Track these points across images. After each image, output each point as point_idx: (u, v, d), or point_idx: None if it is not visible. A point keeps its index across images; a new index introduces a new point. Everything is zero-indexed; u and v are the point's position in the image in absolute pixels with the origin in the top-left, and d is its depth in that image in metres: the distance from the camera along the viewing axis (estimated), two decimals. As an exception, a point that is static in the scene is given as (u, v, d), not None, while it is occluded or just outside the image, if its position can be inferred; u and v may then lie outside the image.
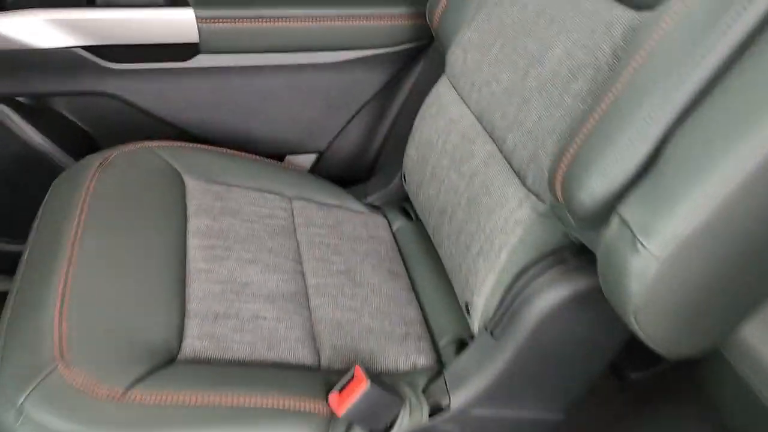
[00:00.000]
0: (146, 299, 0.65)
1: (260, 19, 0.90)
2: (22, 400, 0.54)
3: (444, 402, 0.66)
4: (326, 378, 0.64)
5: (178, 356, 0.62)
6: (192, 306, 0.67)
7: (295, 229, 0.83)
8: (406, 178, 0.88)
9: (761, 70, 0.42)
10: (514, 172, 0.65)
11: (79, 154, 0.94)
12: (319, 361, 0.67)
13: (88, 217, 0.72)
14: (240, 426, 0.57)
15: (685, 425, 0.88)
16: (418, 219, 0.92)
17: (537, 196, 0.62)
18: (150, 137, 0.92)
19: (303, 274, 0.77)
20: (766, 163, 0.41)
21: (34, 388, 0.55)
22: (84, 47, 0.86)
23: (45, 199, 0.79)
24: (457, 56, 0.79)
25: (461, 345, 0.74)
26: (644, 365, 0.87)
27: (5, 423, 0.54)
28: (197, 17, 0.87)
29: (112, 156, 0.82)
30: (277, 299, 0.71)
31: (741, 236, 0.45)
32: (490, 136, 0.71)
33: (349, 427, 0.60)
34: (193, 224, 0.77)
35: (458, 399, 0.65)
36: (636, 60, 0.50)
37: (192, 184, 0.83)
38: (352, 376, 0.61)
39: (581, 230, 0.57)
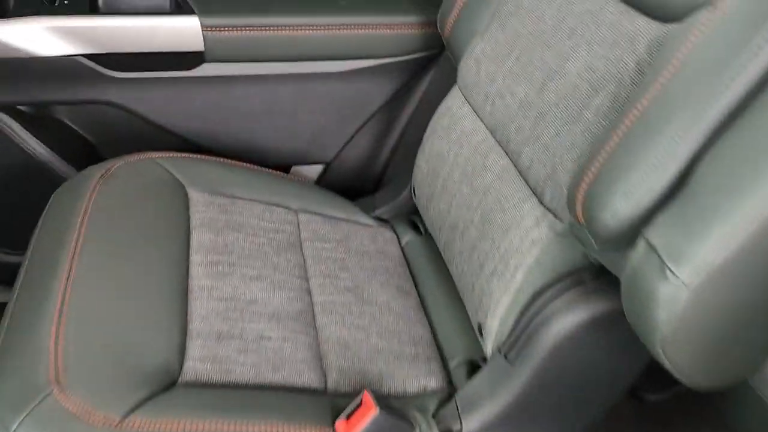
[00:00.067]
0: (146, 318, 0.62)
1: (267, 28, 0.88)
2: (15, 426, 0.52)
3: (455, 427, 0.63)
4: (333, 402, 0.61)
5: (179, 379, 0.59)
6: (194, 325, 0.64)
7: (301, 244, 0.81)
8: (416, 191, 0.85)
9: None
10: (530, 188, 0.63)
11: (81, 164, 0.92)
12: (326, 383, 0.65)
13: (88, 230, 0.70)
14: (243, 455, 0.54)
15: (703, 449, 0.85)
16: (427, 233, 0.89)
17: (555, 214, 0.59)
18: (153, 147, 0.90)
19: (309, 292, 0.74)
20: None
21: (28, 414, 0.52)
22: (86, 55, 0.84)
23: (45, 211, 0.77)
24: (469, 67, 0.77)
25: (472, 367, 0.71)
26: (663, 387, 0.84)
27: (-3, 449, 0.52)
28: (203, 25, 0.85)
29: (114, 167, 0.80)
30: (282, 318, 0.68)
31: (777, 264, 0.43)
32: (504, 150, 0.68)
33: (356, 455, 0.57)
34: (196, 238, 0.74)
35: (470, 424, 0.63)
36: (664, 75, 0.47)
37: (195, 196, 0.81)
38: (360, 402, 0.58)
39: (602, 252, 0.55)
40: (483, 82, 0.73)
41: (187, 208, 0.78)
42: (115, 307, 0.63)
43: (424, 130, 0.85)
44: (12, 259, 0.98)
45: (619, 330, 0.55)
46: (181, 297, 0.66)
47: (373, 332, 0.72)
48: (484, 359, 0.68)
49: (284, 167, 1.05)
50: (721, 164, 0.43)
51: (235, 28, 0.87)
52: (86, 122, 0.94)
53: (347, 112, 1.00)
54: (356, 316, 0.73)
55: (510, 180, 0.65)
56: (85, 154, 0.95)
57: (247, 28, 0.88)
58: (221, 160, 0.88)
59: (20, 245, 0.80)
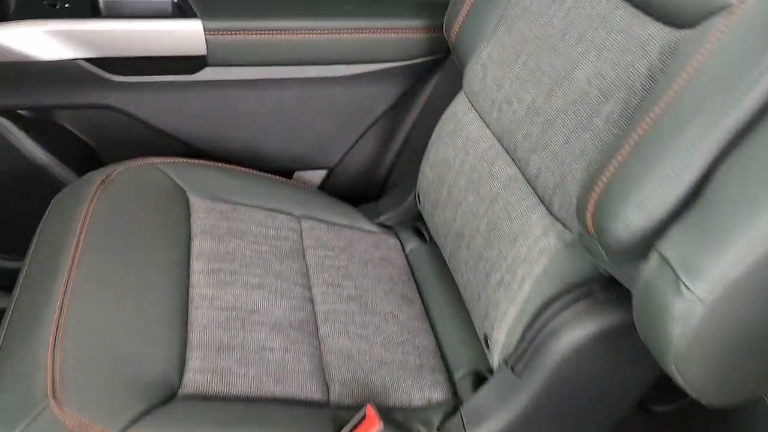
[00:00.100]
0: (146, 328, 0.61)
1: (270, 32, 0.87)
2: (10, 440, 0.51)
3: (461, 441, 0.61)
4: (335, 415, 0.60)
5: (179, 392, 0.58)
6: (194, 336, 0.63)
7: (303, 251, 0.80)
8: (421, 198, 0.84)
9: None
10: (538, 197, 0.61)
11: (81, 169, 0.91)
12: (328, 395, 0.63)
13: (87, 238, 0.69)
14: (243, 470, 0.53)
15: (713, 461, 0.83)
16: (432, 240, 0.88)
17: (563, 224, 0.58)
18: (155, 152, 0.89)
19: (312, 300, 0.73)
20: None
21: (24, 429, 0.51)
22: (87, 59, 0.83)
23: (44, 217, 0.76)
24: (475, 72, 0.76)
25: (478, 378, 0.69)
26: (671, 398, 0.83)
27: (-8, 464, 0.50)
28: (205, 29, 0.84)
29: (115, 172, 0.79)
30: (284, 328, 0.67)
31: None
32: (512, 158, 0.67)
33: (359, 470, 0.56)
34: (197, 246, 0.73)
35: (476, 438, 0.61)
36: (677, 82, 0.46)
37: (197, 203, 0.79)
38: (364, 416, 0.57)
39: (613, 264, 0.53)
40: (489, 87, 0.72)
41: (189, 215, 0.77)
42: (114, 317, 0.62)
43: (428, 135, 0.84)
44: (11, 264, 0.97)
45: (629, 343, 0.54)
46: (181, 306, 0.65)
47: (377, 342, 0.70)
48: (490, 370, 0.67)
49: (287, 172, 1.03)
50: (737, 175, 0.41)
51: (238, 32, 0.86)
52: (87, 127, 0.93)
53: (351, 116, 0.99)
54: (359, 325, 0.72)
55: (517, 188, 0.64)
56: (85, 158, 0.94)
57: (251, 32, 0.87)
58: (223, 165, 0.87)
59: (20, 250, 0.79)
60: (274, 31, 0.87)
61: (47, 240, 0.71)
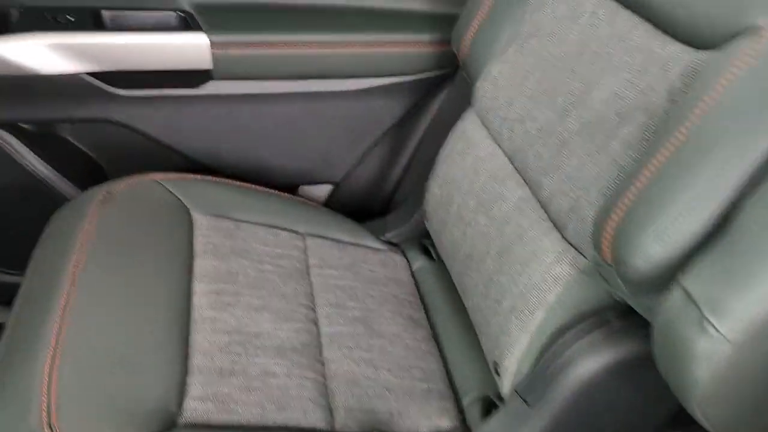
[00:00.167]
0: (145, 353, 0.59)
1: (276, 45, 0.86)
2: (3, 471, 0.49)
3: (469, 473, 0.59)
4: (340, 445, 0.58)
5: (178, 420, 0.56)
6: (195, 361, 0.61)
7: (308, 271, 0.78)
8: (429, 216, 0.82)
9: None
10: (552, 221, 0.59)
11: (83, 183, 0.89)
12: (333, 423, 0.61)
13: (86, 257, 0.67)
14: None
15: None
16: (439, 258, 0.86)
17: (578, 250, 0.56)
18: (158, 166, 0.87)
19: (316, 322, 0.71)
20: None
21: (17, 460, 0.49)
22: (90, 73, 0.81)
23: (43, 234, 0.75)
24: (486, 89, 0.74)
25: (487, 404, 0.67)
26: (684, 424, 0.80)
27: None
28: (211, 43, 0.83)
29: (116, 189, 0.77)
30: (287, 352, 0.65)
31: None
32: (523, 179, 0.65)
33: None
34: (199, 265, 0.71)
35: (485, 470, 0.59)
36: (701, 106, 0.44)
37: (200, 220, 0.78)
38: (370, 447, 0.55)
39: (631, 294, 0.51)
40: (501, 105, 0.70)
41: (191, 233, 0.75)
42: (113, 341, 0.60)
43: (436, 151, 0.82)
44: (11, 279, 0.96)
45: (646, 374, 0.52)
46: (182, 329, 0.63)
47: (383, 367, 0.68)
48: (499, 396, 0.65)
49: (292, 187, 1.02)
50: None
51: (243, 46, 0.85)
52: (90, 140, 0.92)
53: (357, 131, 0.97)
54: (365, 349, 0.70)
55: (530, 211, 0.62)
56: (88, 173, 0.93)
57: (256, 46, 0.85)
58: (227, 181, 0.86)
59: (20, 265, 0.78)
60: (280, 45, 0.86)
61: (45, 259, 0.70)
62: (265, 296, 0.70)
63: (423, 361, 0.71)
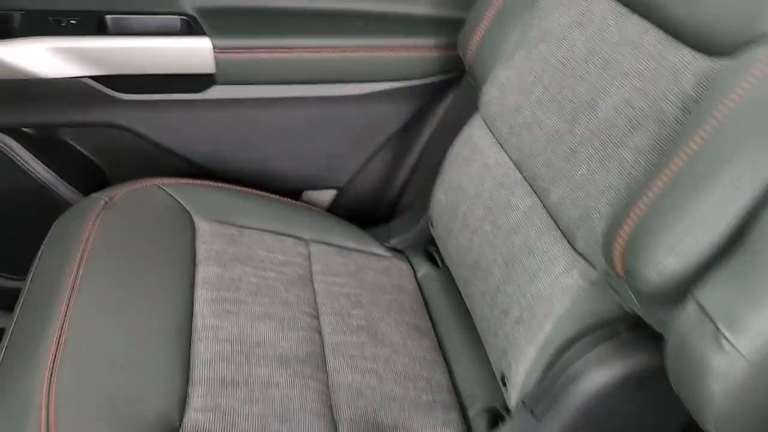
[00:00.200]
0: (146, 363, 0.58)
1: (281, 50, 0.85)
2: (0, 485, 0.48)
3: (475, 486, 0.58)
4: (344, 457, 0.57)
5: (179, 432, 0.55)
6: (197, 371, 0.60)
7: (312, 278, 0.77)
8: (434, 223, 0.81)
9: None
10: (560, 230, 0.58)
11: (86, 188, 0.89)
12: (336, 435, 0.60)
13: (88, 264, 0.66)
14: None
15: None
16: (444, 265, 0.85)
17: (587, 260, 0.55)
18: (161, 170, 0.87)
19: (320, 331, 0.70)
20: None
21: (14, 473, 0.48)
22: (93, 77, 0.81)
23: (45, 240, 0.74)
24: (492, 95, 0.73)
25: (493, 416, 0.66)
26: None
27: None
28: (214, 47, 0.82)
29: (118, 194, 0.76)
30: (290, 362, 0.64)
31: None
32: (531, 187, 0.64)
33: None
34: (202, 272, 0.70)
35: (491, 483, 0.58)
36: (715, 115, 0.43)
37: (202, 226, 0.77)
38: (374, 461, 0.54)
39: (643, 307, 0.50)
40: (508, 111, 0.69)
41: (194, 239, 0.75)
42: (114, 350, 0.59)
43: (441, 156, 0.81)
44: (13, 284, 0.95)
45: (656, 387, 0.50)
46: (184, 338, 0.62)
47: (388, 377, 0.67)
48: (506, 408, 0.63)
49: (296, 192, 1.01)
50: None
51: (247, 50, 0.84)
52: (93, 145, 0.91)
53: (362, 136, 0.96)
54: (369, 359, 0.69)
55: (538, 220, 0.61)
56: (90, 177, 0.92)
57: (260, 50, 0.84)
58: (230, 186, 0.85)
59: (22, 270, 0.77)
60: (284, 49, 0.85)
61: (46, 266, 0.69)
62: (267, 304, 0.69)
63: (428, 371, 0.70)
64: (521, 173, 0.65)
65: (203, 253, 0.73)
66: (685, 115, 0.48)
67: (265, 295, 0.70)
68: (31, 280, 0.68)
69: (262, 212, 0.83)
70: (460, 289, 0.73)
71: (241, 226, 0.79)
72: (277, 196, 0.88)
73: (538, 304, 0.57)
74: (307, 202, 1.02)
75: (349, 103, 0.92)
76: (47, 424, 0.51)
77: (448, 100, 0.95)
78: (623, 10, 0.58)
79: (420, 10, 0.93)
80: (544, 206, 0.61)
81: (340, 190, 1.02)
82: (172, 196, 0.79)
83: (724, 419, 0.40)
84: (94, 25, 0.81)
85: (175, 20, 0.85)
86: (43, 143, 0.88)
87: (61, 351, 0.57)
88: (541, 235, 0.59)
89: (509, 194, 0.66)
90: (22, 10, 0.80)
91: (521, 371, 0.58)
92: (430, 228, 0.82)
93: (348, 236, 0.86)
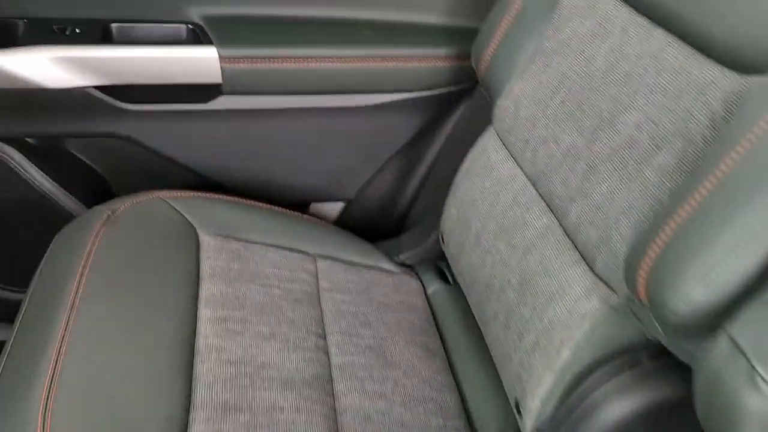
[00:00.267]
0: (146, 386, 0.56)
1: (288, 59, 0.83)
2: None
3: None
4: (350, 487, 0.54)
5: (179, 460, 0.53)
6: (198, 394, 0.58)
7: (319, 295, 0.75)
8: (445, 238, 0.78)
9: None
10: (579, 252, 0.56)
11: (90, 200, 0.87)
12: (343, 463, 0.58)
13: (89, 280, 0.64)
14: None
15: None
16: (455, 282, 0.82)
17: (607, 285, 0.52)
18: (166, 182, 0.85)
19: (327, 351, 0.68)
20: None
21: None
22: (98, 87, 0.79)
23: (47, 254, 0.72)
24: (506, 108, 0.70)
25: (506, 443, 0.64)
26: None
27: None
28: (221, 56, 0.80)
29: (122, 208, 0.74)
30: (296, 384, 0.62)
31: None
32: (547, 205, 0.61)
33: None
34: (205, 289, 0.68)
35: None
36: (749, 138, 0.40)
37: (207, 241, 0.75)
38: (382, 493, 0.51)
39: (668, 337, 0.47)
40: (522, 125, 0.67)
41: (198, 255, 0.73)
42: (113, 371, 0.57)
43: (452, 169, 0.79)
44: (14, 296, 0.94)
45: (679, 419, 0.48)
46: (186, 359, 0.60)
47: (397, 401, 0.65)
48: (520, 433, 0.61)
49: (303, 204, 0.99)
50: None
51: (254, 60, 0.82)
52: (96, 155, 0.89)
53: (371, 148, 0.94)
54: (378, 381, 0.66)
55: (554, 240, 0.58)
56: (94, 188, 0.90)
57: (268, 60, 0.82)
58: (236, 199, 0.83)
59: (23, 282, 0.75)
60: (292, 59, 0.83)
61: (48, 279, 0.67)
62: (273, 323, 0.67)
63: (438, 394, 0.68)
64: (537, 190, 0.63)
65: (207, 270, 0.71)
66: (714, 134, 0.46)
67: (271, 314, 0.68)
68: (32, 294, 0.66)
69: (268, 226, 0.81)
70: (472, 308, 0.71)
71: (247, 241, 0.77)
72: (284, 209, 0.86)
73: (556, 329, 0.54)
74: (314, 215, 1.00)
75: (358, 114, 0.90)
76: None
77: (459, 112, 0.93)
78: (644, 22, 0.56)
79: (432, 19, 0.91)
80: (561, 225, 0.59)
81: (349, 202, 1.00)
82: (176, 210, 0.77)
83: (758, 463, 0.38)
84: (99, 33, 0.80)
85: (181, 29, 0.83)
86: (46, 153, 0.87)
87: (58, 374, 0.55)
88: (558, 256, 0.57)
89: (524, 211, 0.63)
90: (25, 19, 0.79)
91: (537, 399, 0.56)
92: (441, 244, 0.80)
93: (356, 251, 0.84)
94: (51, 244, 0.73)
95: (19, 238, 0.90)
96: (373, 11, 0.89)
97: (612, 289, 0.52)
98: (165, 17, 0.83)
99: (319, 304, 0.73)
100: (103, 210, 0.74)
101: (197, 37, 0.82)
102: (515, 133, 0.68)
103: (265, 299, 0.70)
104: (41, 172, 0.86)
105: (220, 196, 0.82)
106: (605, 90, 0.57)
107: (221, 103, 0.84)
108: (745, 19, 0.46)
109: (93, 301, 0.62)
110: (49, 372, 0.55)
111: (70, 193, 0.88)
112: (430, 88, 0.90)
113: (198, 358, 0.61)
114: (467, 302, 0.74)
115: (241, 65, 0.81)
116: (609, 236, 0.52)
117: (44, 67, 0.76)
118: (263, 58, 0.82)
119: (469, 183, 0.74)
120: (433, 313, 0.80)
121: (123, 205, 0.75)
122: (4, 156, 0.83)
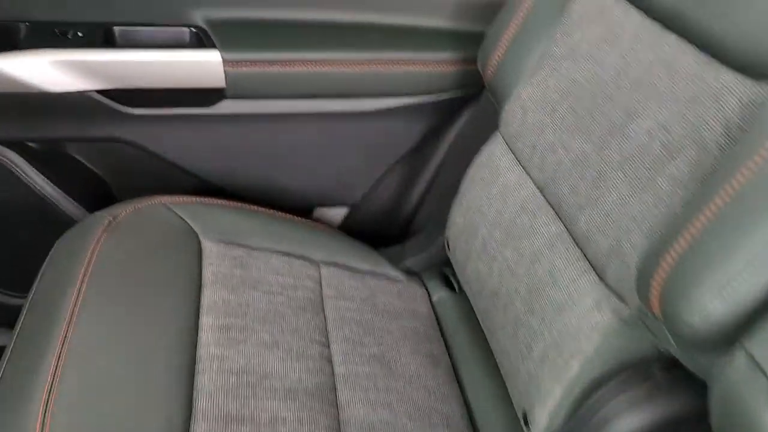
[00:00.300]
0: (146, 396, 0.55)
1: (293, 63, 0.82)
2: None
3: None
4: (354, 501, 0.53)
5: (179, 473, 0.52)
6: (199, 404, 0.57)
7: (322, 302, 0.73)
8: (450, 245, 0.77)
9: None
10: (589, 261, 0.55)
11: (92, 204, 0.86)
12: (347, 476, 0.57)
13: (89, 287, 0.63)
14: None
15: None
16: (461, 290, 0.81)
17: (619, 296, 0.51)
18: (169, 186, 0.84)
19: (330, 360, 0.67)
20: None
21: None
22: (100, 91, 0.78)
23: (47, 260, 0.71)
24: (514, 113, 0.69)
25: (513, 455, 0.62)
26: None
27: None
28: (224, 60, 0.79)
29: (123, 214, 0.73)
30: (299, 394, 0.61)
31: None
32: (556, 212, 0.60)
33: None
34: (207, 297, 0.67)
35: None
36: (767, 146, 0.39)
37: (209, 247, 0.74)
38: None
39: (681, 349, 0.46)
40: (530, 131, 0.66)
41: (200, 261, 0.71)
42: (112, 382, 0.56)
43: (457, 174, 0.78)
44: (14, 301, 0.93)
45: (694, 434, 0.46)
46: (187, 369, 0.59)
47: (401, 412, 0.64)
48: (527, 445, 0.60)
49: (307, 208, 0.98)
50: None
51: (258, 64, 0.81)
52: (98, 159, 0.88)
53: (375, 152, 0.93)
54: (382, 391, 0.65)
55: (563, 249, 0.57)
56: (96, 192, 0.89)
57: (272, 64, 0.81)
58: (238, 204, 0.82)
59: (23, 287, 0.75)
60: (296, 63, 0.82)
61: (48, 285, 0.66)
62: (276, 332, 0.66)
63: (444, 404, 0.67)
64: (545, 197, 0.62)
65: (209, 276, 0.70)
66: (728, 142, 0.45)
67: (274, 322, 0.67)
68: (32, 299, 0.65)
69: (272, 232, 0.80)
70: (478, 317, 0.70)
71: (250, 247, 0.76)
72: (287, 215, 0.85)
73: (565, 340, 0.53)
74: (318, 219, 0.99)
75: (363, 118, 0.89)
76: None
77: (465, 117, 0.92)
78: (656, 27, 0.55)
79: (437, 23, 0.90)
80: (570, 234, 0.57)
81: (353, 207, 0.99)
82: (178, 215, 0.76)
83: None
84: (102, 37, 0.79)
85: (184, 32, 0.82)
86: (48, 158, 0.86)
87: (59, 378, 0.54)
88: (568, 266, 0.56)
89: (532, 219, 0.62)
90: (27, 22, 0.78)
91: (545, 412, 0.54)
92: (447, 251, 0.79)
93: (360, 257, 0.83)
94: (52, 250, 0.72)
95: (20, 242, 0.89)
96: (378, 15, 0.88)
97: (623, 301, 0.50)
98: (168, 20, 0.82)
99: (323, 311, 0.72)
100: (105, 215, 0.73)
101: (200, 40, 0.81)
102: (523, 139, 0.67)
103: (268, 307, 0.69)
104: (42, 176, 0.85)
105: (223, 201, 0.81)
106: (616, 96, 0.56)
107: (224, 107, 0.83)
108: (760, 24, 0.44)
109: (93, 307, 0.61)
110: (49, 378, 0.54)
111: (72, 197, 0.88)
112: (435, 93, 0.89)
113: (199, 367, 0.60)
114: (473, 310, 0.72)
115: (245, 69, 0.80)
116: (620, 246, 0.51)
117: (46, 70, 0.75)
118: (267, 62, 0.81)
119: (476, 189, 0.73)
120: (438, 321, 0.78)
121: (124, 210, 0.74)
122: (5, 160, 0.82)
